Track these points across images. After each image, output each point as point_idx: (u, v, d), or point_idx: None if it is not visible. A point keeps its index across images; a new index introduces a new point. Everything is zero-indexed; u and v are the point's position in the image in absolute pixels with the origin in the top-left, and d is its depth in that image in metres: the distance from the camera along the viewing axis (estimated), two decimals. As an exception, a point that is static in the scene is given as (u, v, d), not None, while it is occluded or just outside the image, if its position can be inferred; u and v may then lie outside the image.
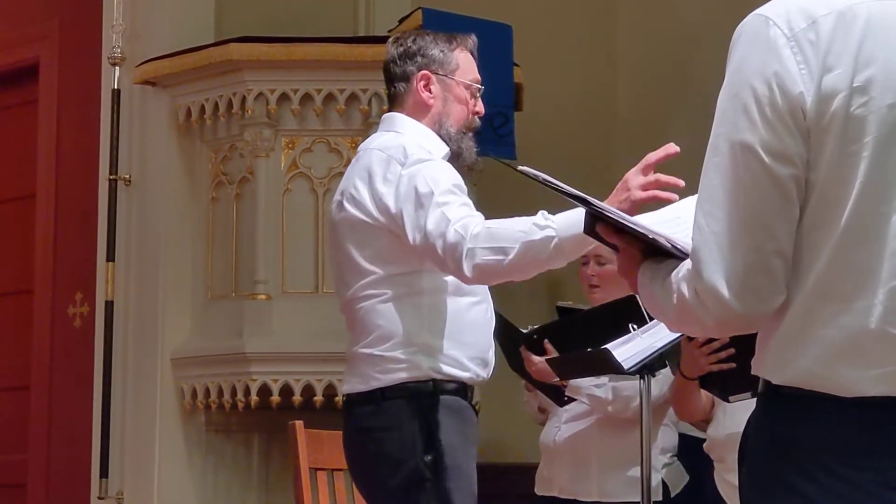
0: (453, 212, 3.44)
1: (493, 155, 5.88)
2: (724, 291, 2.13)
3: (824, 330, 2.11)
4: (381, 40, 4.83)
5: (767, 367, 2.18)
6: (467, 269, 3.36)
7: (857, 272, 2.10)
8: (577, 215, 3.25)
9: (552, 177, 2.69)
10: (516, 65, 5.95)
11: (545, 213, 3.39)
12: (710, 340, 3.98)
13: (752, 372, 2.23)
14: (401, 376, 3.57)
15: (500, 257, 3.35)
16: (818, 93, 2.10)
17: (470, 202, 3.55)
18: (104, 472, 5.95)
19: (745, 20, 2.20)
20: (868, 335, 2.10)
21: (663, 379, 4.55)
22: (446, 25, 4.95)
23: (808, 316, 2.13)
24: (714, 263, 2.14)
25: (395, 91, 3.77)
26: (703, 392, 4.26)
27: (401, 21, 5.79)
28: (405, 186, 3.53)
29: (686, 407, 4.36)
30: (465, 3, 5.84)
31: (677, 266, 2.23)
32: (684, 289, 2.18)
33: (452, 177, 3.58)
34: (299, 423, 4.14)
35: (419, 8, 5.73)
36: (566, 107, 6.99)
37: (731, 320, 2.17)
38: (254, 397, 5.62)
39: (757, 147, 2.11)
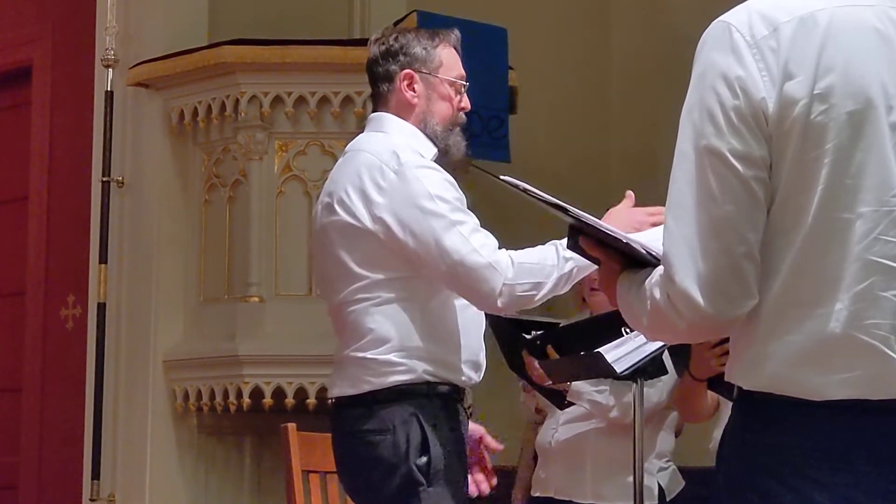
0: (475, 238, 3.49)
1: (486, 159, 5.89)
2: (696, 295, 2.13)
3: (791, 335, 2.13)
4: (376, 43, 4.82)
5: (738, 373, 2.20)
6: (503, 302, 3.48)
7: (821, 278, 2.12)
8: None
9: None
10: (511, 68, 5.95)
11: (560, 244, 3.49)
12: (722, 342, 3.97)
13: (726, 378, 2.24)
14: (394, 379, 3.54)
15: (535, 292, 3.50)
16: (780, 99, 2.12)
17: (475, 219, 3.55)
18: (96, 475, 5.93)
19: (708, 27, 2.22)
20: (834, 339, 2.11)
21: (663, 386, 4.54)
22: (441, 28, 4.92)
23: (775, 321, 2.14)
24: (685, 267, 2.14)
25: (380, 91, 3.74)
26: (710, 393, 4.26)
27: (395, 24, 5.78)
28: (404, 199, 3.50)
29: (691, 408, 4.35)
30: (460, 6, 5.84)
31: (652, 273, 2.23)
32: (657, 294, 2.19)
33: (452, 190, 3.56)
34: (292, 426, 4.13)
35: (414, 10, 5.72)
36: (561, 109, 6.98)
37: (702, 324, 2.17)
38: (246, 400, 5.60)
39: (724, 150, 2.12)
